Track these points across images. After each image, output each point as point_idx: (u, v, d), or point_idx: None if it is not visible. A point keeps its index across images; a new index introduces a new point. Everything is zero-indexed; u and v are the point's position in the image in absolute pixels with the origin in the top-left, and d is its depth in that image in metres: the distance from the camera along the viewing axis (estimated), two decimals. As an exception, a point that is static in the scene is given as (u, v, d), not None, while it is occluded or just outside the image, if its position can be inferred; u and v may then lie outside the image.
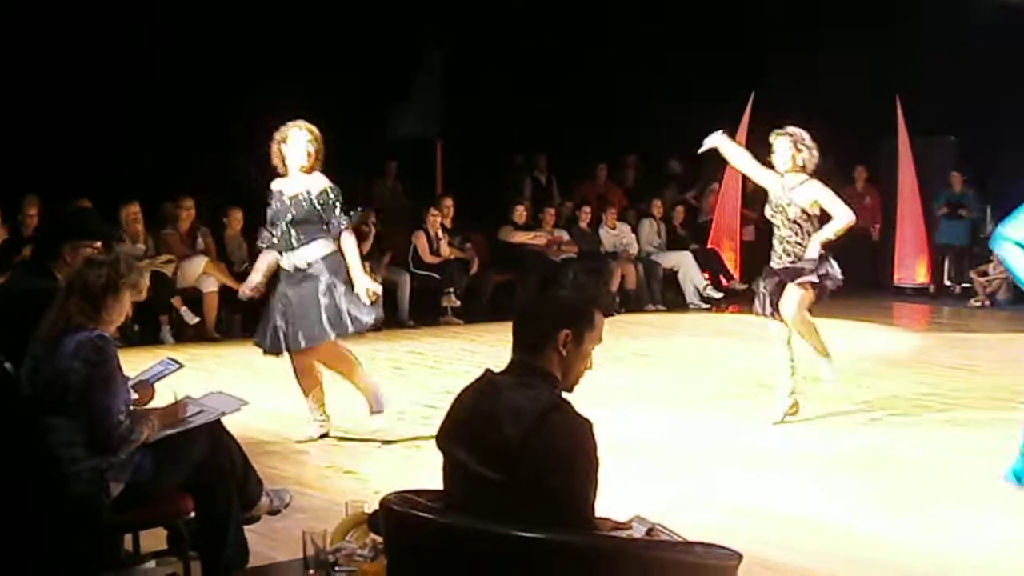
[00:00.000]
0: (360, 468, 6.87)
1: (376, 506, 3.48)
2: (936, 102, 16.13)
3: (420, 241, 13.62)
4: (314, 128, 7.33)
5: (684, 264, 15.38)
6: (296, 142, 7.26)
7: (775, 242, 8.02)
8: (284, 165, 7.30)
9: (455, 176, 15.56)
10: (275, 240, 7.38)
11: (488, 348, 10.98)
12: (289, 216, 7.23)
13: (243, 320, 12.46)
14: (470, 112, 15.40)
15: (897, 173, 16.50)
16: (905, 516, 5.98)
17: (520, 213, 14.54)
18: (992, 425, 8.08)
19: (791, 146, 7.87)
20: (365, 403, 7.60)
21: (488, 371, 3.48)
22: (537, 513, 3.08)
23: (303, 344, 7.26)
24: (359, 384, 7.59)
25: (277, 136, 7.31)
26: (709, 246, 16.20)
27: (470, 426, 3.31)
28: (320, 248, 7.26)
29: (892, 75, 16.20)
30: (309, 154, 7.25)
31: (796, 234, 7.86)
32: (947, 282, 16.43)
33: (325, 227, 7.23)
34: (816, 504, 6.16)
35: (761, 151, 16.04)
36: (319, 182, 7.25)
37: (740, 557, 3.32)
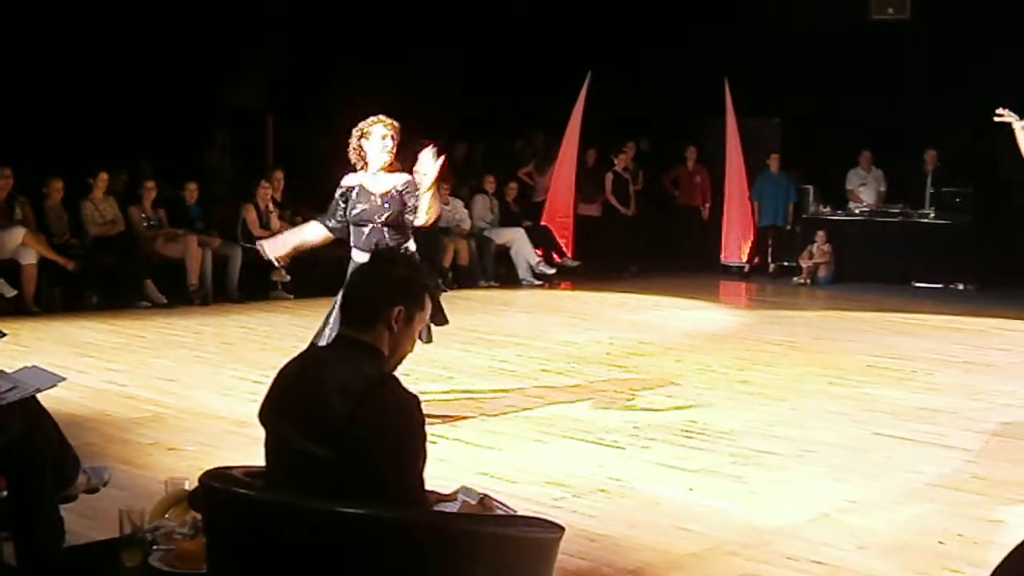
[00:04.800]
0: (184, 445, 6.73)
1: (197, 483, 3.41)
2: (762, 84, 16.56)
3: (250, 214, 13.40)
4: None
5: (517, 240, 15.46)
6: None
7: None
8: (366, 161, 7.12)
9: (286, 149, 15.35)
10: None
11: (318, 323, 10.83)
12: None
13: (63, 293, 12.12)
14: (302, 85, 15.22)
15: (725, 153, 16.85)
16: (720, 485, 6.13)
17: (348, 186, 14.42)
18: (805, 396, 8.37)
19: None
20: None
21: (314, 345, 3.43)
22: (363, 489, 3.05)
23: None
24: None
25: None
26: (542, 223, 16.33)
27: (294, 401, 3.26)
28: None
29: (721, 57, 16.56)
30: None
31: None
32: (769, 261, 16.87)
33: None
34: (636, 475, 6.27)
35: (596, 130, 16.24)
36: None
37: (562, 530, 3.35)
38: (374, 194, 7.06)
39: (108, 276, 12.35)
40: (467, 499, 3.48)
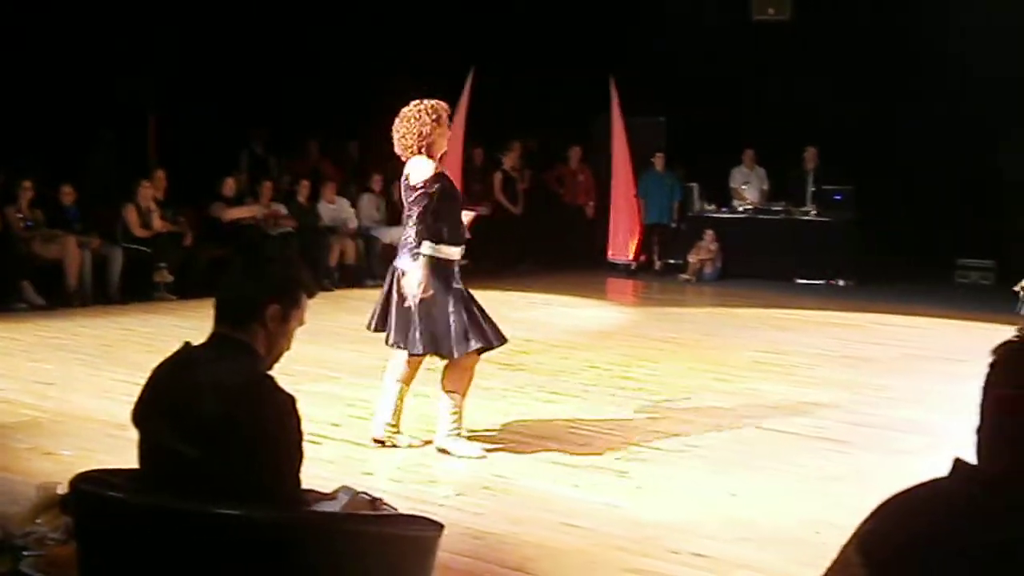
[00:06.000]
0: (60, 449, 6.58)
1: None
2: (647, 83, 16.72)
3: (131, 214, 13.15)
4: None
5: (404, 240, 15.37)
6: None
7: None
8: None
9: (168, 149, 15.10)
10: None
11: (202, 324, 10.54)
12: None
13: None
14: (187, 85, 14.99)
15: (610, 152, 16.96)
16: (605, 481, 6.18)
17: (229, 186, 14.22)
18: (690, 392, 8.46)
19: None
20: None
21: (187, 344, 3.37)
22: (239, 489, 3.00)
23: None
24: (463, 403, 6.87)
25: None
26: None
27: (167, 401, 3.19)
28: None
29: (606, 56, 16.68)
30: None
31: None
32: (655, 258, 17.04)
33: None
34: (521, 472, 6.28)
35: (479, 129, 16.22)
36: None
37: (441, 528, 3.33)
38: (454, 181, 6.76)
39: (-17, 278, 12.03)
40: (347, 498, 3.45)
